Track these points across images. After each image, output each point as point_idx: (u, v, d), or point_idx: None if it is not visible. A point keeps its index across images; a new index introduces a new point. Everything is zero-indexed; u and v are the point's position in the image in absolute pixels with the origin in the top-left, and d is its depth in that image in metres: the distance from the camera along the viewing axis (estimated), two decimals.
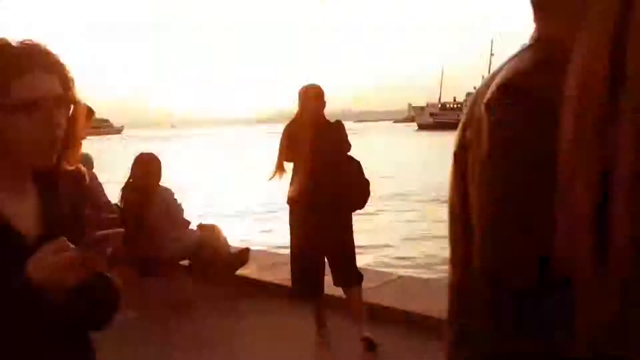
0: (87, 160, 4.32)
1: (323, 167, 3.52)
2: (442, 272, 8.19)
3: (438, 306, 4.02)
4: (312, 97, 3.64)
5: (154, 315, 4.44)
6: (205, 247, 4.73)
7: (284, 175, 3.75)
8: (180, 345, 3.97)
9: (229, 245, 5.01)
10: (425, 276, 6.68)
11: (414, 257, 10.15)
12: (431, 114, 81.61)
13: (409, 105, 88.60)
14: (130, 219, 4.44)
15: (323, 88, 3.73)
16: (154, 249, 4.45)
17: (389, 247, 10.56)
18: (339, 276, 3.69)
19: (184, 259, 4.82)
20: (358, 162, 3.65)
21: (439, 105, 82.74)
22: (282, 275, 4.96)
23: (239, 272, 5.03)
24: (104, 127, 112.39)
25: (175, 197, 4.72)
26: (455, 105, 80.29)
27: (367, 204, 3.67)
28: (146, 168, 4.63)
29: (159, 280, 4.57)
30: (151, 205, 4.50)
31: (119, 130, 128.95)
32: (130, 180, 4.60)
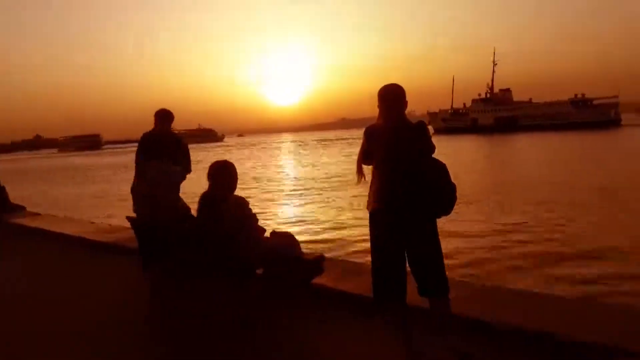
0: None
1: (405, 170, 3.34)
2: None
3: (529, 317, 3.72)
4: (391, 97, 3.48)
5: (225, 327, 4.37)
6: (279, 256, 4.63)
7: (363, 179, 3.62)
8: (253, 358, 3.86)
9: (304, 253, 4.88)
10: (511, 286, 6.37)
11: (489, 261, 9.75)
12: (443, 120, 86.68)
13: (427, 111, 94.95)
14: (204, 229, 4.42)
15: (403, 87, 3.57)
16: (229, 258, 4.39)
17: (469, 253, 10.21)
18: (425, 285, 3.48)
19: (258, 267, 4.75)
20: (443, 165, 3.43)
21: (451, 111, 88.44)
22: (359, 284, 4.80)
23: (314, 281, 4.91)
24: (209, 136, 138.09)
25: (249, 205, 4.65)
26: (463, 111, 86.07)
27: (453, 209, 3.45)
28: (219, 177, 4.58)
29: (233, 290, 4.51)
30: (225, 213, 4.44)
31: (220, 138, 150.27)
32: (207, 190, 4.57)
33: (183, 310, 4.82)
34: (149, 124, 5.53)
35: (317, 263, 4.85)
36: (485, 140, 55.45)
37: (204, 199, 4.56)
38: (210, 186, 4.58)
